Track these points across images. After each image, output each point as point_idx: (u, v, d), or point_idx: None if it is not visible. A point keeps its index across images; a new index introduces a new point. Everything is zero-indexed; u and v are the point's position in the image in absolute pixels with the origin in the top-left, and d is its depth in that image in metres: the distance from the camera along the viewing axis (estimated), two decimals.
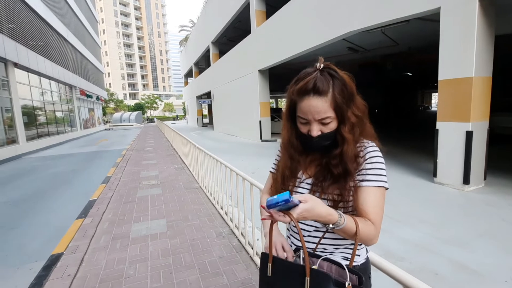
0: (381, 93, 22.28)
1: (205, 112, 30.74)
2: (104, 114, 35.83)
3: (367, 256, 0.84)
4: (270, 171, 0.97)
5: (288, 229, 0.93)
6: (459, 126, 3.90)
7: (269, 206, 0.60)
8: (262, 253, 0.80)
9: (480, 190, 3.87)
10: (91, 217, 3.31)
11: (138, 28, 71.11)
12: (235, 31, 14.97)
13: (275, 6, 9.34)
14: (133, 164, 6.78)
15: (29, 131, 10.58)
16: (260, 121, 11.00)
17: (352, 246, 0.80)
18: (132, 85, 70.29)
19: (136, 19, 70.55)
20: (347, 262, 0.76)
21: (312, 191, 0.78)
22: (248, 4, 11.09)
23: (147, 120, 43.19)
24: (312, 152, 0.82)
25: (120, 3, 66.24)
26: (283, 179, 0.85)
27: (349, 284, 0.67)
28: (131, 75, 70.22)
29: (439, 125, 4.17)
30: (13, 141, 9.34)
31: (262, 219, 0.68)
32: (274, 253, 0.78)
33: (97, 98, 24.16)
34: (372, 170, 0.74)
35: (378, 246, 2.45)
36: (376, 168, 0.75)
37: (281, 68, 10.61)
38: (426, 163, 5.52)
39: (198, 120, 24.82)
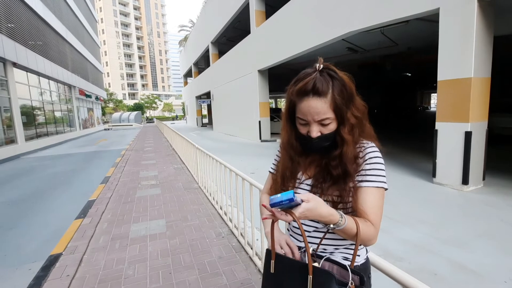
0: (380, 93, 22.33)
1: (205, 112, 30.72)
2: (103, 114, 35.76)
3: (367, 256, 0.84)
4: (270, 171, 0.97)
5: (288, 230, 0.93)
6: (458, 127, 3.91)
7: (272, 205, 0.60)
8: (267, 249, 0.80)
9: (479, 191, 3.88)
10: (90, 217, 3.30)
11: (137, 28, 71.04)
12: (235, 31, 14.97)
13: (275, 7, 9.35)
14: (132, 164, 6.77)
15: (28, 131, 10.55)
16: (259, 121, 11.00)
17: (351, 247, 0.80)
18: (132, 85, 70.20)
19: (136, 19, 70.48)
20: (348, 263, 0.76)
21: (312, 192, 0.79)
22: (248, 4, 11.09)
23: (146, 120, 43.15)
24: (312, 153, 0.82)
25: (119, 3, 66.17)
26: (283, 180, 0.84)
27: (351, 283, 0.67)
28: (131, 75, 70.13)
29: (438, 125, 4.18)
30: (11, 141, 9.31)
31: (263, 219, 0.68)
32: (280, 250, 0.78)
33: (96, 98, 24.12)
34: (372, 171, 0.74)
35: (378, 246, 2.45)
36: (375, 168, 0.75)
37: (280, 68, 10.61)
38: (425, 163, 5.53)
39: (197, 120, 24.81)
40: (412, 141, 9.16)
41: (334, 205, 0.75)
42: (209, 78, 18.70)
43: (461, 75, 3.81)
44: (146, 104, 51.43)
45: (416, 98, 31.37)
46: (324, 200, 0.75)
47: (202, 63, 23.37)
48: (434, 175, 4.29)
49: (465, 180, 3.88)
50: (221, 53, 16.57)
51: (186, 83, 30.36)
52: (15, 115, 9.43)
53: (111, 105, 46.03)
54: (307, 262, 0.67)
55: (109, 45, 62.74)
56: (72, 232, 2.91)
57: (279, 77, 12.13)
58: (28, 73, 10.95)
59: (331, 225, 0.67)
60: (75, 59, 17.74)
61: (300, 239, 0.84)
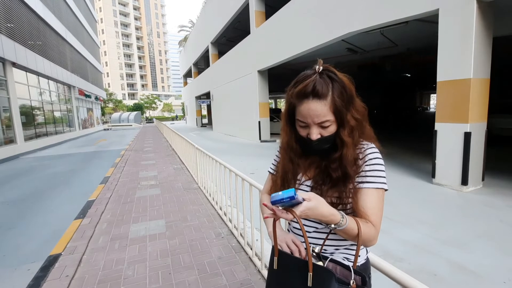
0: (380, 94, 22.35)
1: (204, 112, 30.72)
2: (103, 114, 35.72)
3: (367, 256, 0.84)
4: (269, 172, 0.97)
5: (288, 230, 0.93)
6: (458, 127, 3.92)
7: (273, 203, 0.60)
8: (273, 246, 0.81)
9: (478, 191, 3.89)
10: (90, 218, 3.30)
11: (137, 28, 71.03)
12: (235, 32, 14.98)
13: (275, 7, 9.36)
14: (132, 165, 6.76)
15: (27, 131, 10.53)
16: (259, 122, 11.00)
17: (352, 247, 0.80)
18: (131, 85, 70.16)
19: (135, 19, 70.47)
20: (348, 263, 0.76)
21: None
22: (248, 4, 11.10)
23: (146, 120, 43.11)
24: (312, 155, 0.82)
25: (119, 3, 66.16)
26: (282, 182, 0.85)
27: (353, 283, 0.68)
28: (130, 75, 70.10)
29: (437, 126, 4.19)
30: (11, 141, 9.30)
31: (265, 217, 0.68)
32: (286, 249, 0.78)
33: (96, 98, 24.09)
34: (372, 172, 0.74)
35: (378, 246, 2.45)
36: (375, 170, 0.75)
37: (280, 69, 10.62)
38: (425, 164, 5.53)
39: (197, 120, 24.80)
40: (412, 141, 9.17)
41: (333, 206, 0.75)
42: (208, 79, 18.70)
43: (460, 76, 3.82)
44: (145, 104, 51.41)
45: (415, 98, 31.42)
46: None
47: (202, 63, 23.37)
48: (433, 175, 4.29)
49: (464, 181, 3.88)
50: (221, 53, 16.58)
51: (185, 83, 30.36)
52: (14, 115, 9.42)
53: (110, 105, 45.99)
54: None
55: (108, 45, 62.71)
56: (72, 232, 2.90)
57: (279, 78, 12.14)
58: (27, 73, 10.94)
59: (332, 225, 0.67)
60: (74, 59, 17.72)
61: (301, 239, 0.84)
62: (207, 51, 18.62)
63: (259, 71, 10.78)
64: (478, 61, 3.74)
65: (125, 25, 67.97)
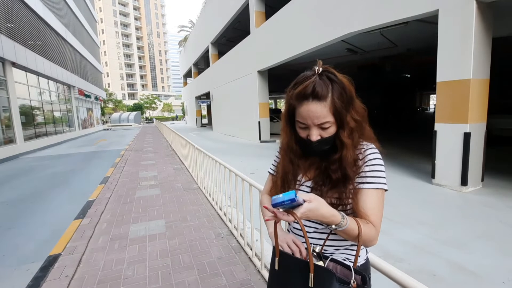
0: (379, 94, 22.36)
1: (204, 112, 30.71)
2: (103, 114, 35.71)
3: (367, 257, 0.84)
4: (269, 172, 0.97)
5: (288, 230, 0.93)
6: (457, 128, 3.92)
7: (274, 205, 0.61)
8: (274, 247, 0.81)
9: (477, 192, 3.89)
10: (89, 218, 3.30)
11: (137, 28, 71.03)
12: (235, 32, 14.99)
13: (275, 7, 9.37)
14: (131, 165, 6.76)
15: (27, 131, 10.53)
16: (259, 122, 11.00)
17: (352, 247, 0.80)
18: (131, 85, 70.14)
19: (135, 19, 70.47)
20: (349, 263, 0.76)
21: None
22: (248, 5, 11.11)
23: (145, 120, 43.10)
24: (309, 155, 0.82)
25: (119, 3, 66.16)
26: (283, 183, 0.85)
27: (353, 282, 0.68)
28: (130, 75, 70.09)
29: (437, 126, 4.20)
30: (10, 141, 9.29)
31: (266, 220, 0.68)
32: (287, 249, 0.79)
33: (96, 98, 24.08)
34: (371, 173, 0.75)
35: (378, 247, 2.45)
36: (375, 170, 0.75)
37: (280, 69, 10.63)
38: (424, 164, 5.54)
39: (197, 120, 24.80)
40: (411, 142, 9.17)
41: (333, 207, 0.75)
42: (208, 79, 18.70)
43: (460, 77, 3.83)
44: (145, 104, 51.39)
45: (415, 99, 31.43)
46: None
47: (202, 63, 23.37)
48: (433, 176, 4.30)
49: (464, 181, 3.89)
50: (220, 53, 16.58)
51: (185, 83, 30.36)
52: (14, 115, 9.41)
53: (110, 105, 45.97)
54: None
55: (108, 45, 62.70)
56: (71, 232, 2.90)
57: (279, 78, 12.14)
58: (27, 73, 10.93)
59: (333, 226, 0.68)
60: (74, 59, 17.72)
61: (301, 239, 0.84)
62: (207, 51, 18.62)
63: (259, 71, 10.79)
64: (477, 62, 3.75)
65: (125, 25, 67.98)
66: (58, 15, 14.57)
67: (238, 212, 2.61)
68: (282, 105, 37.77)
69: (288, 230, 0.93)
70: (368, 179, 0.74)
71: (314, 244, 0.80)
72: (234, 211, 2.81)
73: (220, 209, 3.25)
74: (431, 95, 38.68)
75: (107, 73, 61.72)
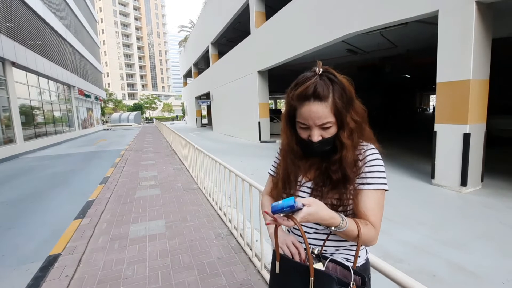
0: (379, 95, 22.38)
1: (204, 112, 30.71)
2: (103, 114, 35.70)
3: (367, 257, 0.85)
4: (270, 174, 0.97)
5: (288, 231, 0.93)
6: (457, 128, 3.92)
7: (274, 212, 0.62)
8: (273, 250, 0.82)
9: (477, 192, 3.89)
10: (89, 218, 3.30)
11: (137, 28, 71.05)
12: (235, 32, 14.99)
13: (275, 8, 9.37)
14: (131, 165, 6.76)
15: (27, 131, 10.52)
16: (259, 122, 11.01)
17: (352, 248, 0.81)
18: (131, 85, 70.14)
19: (136, 19, 70.49)
20: (349, 264, 0.77)
21: (312, 195, 0.79)
22: (248, 5, 11.12)
23: (145, 120, 43.09)
24: (310, 156, 0.82)
25: (119, 3, 66.18)
26: (284, 184, 0.85)
27: (353, 284, 0.69)
28: (130, 75, 70.09)
29: (437, 127, 4.20)
30: (10, 140, 9.29)
31: (266, 224, 0.69)
32: (287, 251, 0.79)
33: (96, 98, 24.08)
34: (372, 173, 0.75)
35: (377, 247, 2.46)
36: (375, 171, 0.75)
37: (280, 69, 10.63)
38: (424, 165, 5.54)
39: (197, 120, 24.80)
40: (411, 142, 9.18)
41: (334, 208, 0.75)
42: (209, 79, 18.70)
43: (459, 77, 3.83)
44: (145, 105, 51.39)
45: (415, 99, 31.45)
46: (324, 203, 0.75)
47: (202, 63, 23.38)
48: (433, 176, 4.30)
49: (463, 182, 3.89)
50: (221, 53, 16.59)
51: (185, 83, 30.36)
52: (14, 114, 9.41)
53: (110, 105, 45.96)
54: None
55: (108, 45, 62.71)
56: (71, 232, 2.90)
57: (279, 78, 12.14)
58: (27, 72, 10.93)
59: (333, 228, 0.68)
60: (74, 59, 17.72)
61: (301, 240, 0.84)
62: (207, 52, 18.63)
63: (259, 72, 10.79)
64: (477, 62, 3.75)
65: (125, 25, 67.99)
66: (58, 14, 14.57)
67: (238, 212, 2.62)
68: (282, 105, 37.77)
69: (288, 231, 0.93)
70: (368, 180, 0.75)
71: (313, 245, 0.80)
72: (234, 211, 2.81)
73: (220, 209, 3.25)
74: (431, 96, 38.70)
75: (107, 73, 61.71)
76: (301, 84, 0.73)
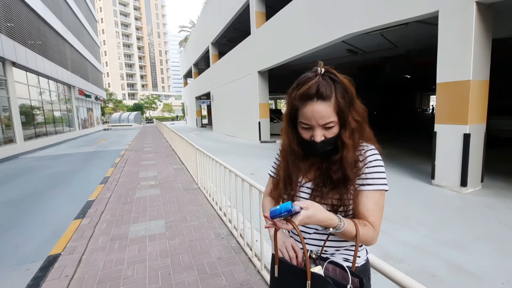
0: (379, 95, 22.38)
1: (204, 112, 30.72)
2: (103, 114, 35.70)
3: (367, 257, 0.85)
4: (270, 175, 0.97)
5: (289, 231, 0.93)
6: (457, 129, 3.93)
7: (273, 217, 0.64)
8: (273, 254, 0.83)
9: (477, 193, 3.89)
10: (89, 218, 3.30)
11: (137, 28, 71.07)
12: (235, 32, 15.00)
13: (275, 8, 9.38)
14: (131, 165, 6.76)
15: (27, 131, 10.53)
16: (259, 122, 11.01)
17: (352, 248, 0.81)
18: (131, 85, 70.15)
19: (136, 19, 70.52)
20: (348, 264, 0.77)
21: (312, 196, 0.79)
22: (248, 5, 11.12)
23: (146, 120, 43.10)
24: (312, 156, 0.82)
25: (119, 3, 66.21)
26: (284, 185, 0.85)
27: (350, 286, 0.69)
28: (130, 75, 70.10)
29: (437, 127, 4.20)
30: (10, 140, 9.29)
31: (266, 227, 0.70)
32: (285, 254, 0.81)
33: (96, 98, 24.09)
34: (372, 174, 0.75)
35: (378, 248, 2.46)
36: (375, 171, 0.75)
37: (280, 70, 10.64)
38: (424, 165, 5.54)
39: (197, 120, 24.81)
40: (411, 142, 9.18)
41: (335, 208, 0.76)
42: (209, 79, 18.71)
43: (460, 78, 3.83)
44: (145, 105, 51.39)
45: (415, 100, 31.44)
46: (325, 204, 0.76)
47: (202, 63, 23.39)
48: (433, 177, 4.30)
49: (463, 182, 3.89)
50: (221, 54, 16.60)
51: (186, 83, 30.37)
52: (14, 114, 9.41)
53: (110, 105, 45.97)
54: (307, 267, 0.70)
55: (109, 45, 62.73)
56: (71, 232, 2.90)
57: (279, 78, 12.15)
58: (27, 72, 10.93)
59: (331, 229, 0.69)
60: (74, 59, 17.73)
61: (300, 241, 0.84)
62: (207, 52, 18.63)
63: (259, 72, 10.80)
64: (477, 63, 3.75)
65: (125, 25, 68.02)
66: (58, 14, 14.58)
67: (238, 212, 2.62)
68: (282, 105, 37.77)
69: (288, 232, 0.93)
70: (368, 181, 0.75)
71: (313, 245, 0.81)
72: (234, 211, 2.81)
73: (220, 209, 3.25)
74: (431, 96, 38.70)
75: (107, 73, 61.73)
76: (303, 84, 0.73)
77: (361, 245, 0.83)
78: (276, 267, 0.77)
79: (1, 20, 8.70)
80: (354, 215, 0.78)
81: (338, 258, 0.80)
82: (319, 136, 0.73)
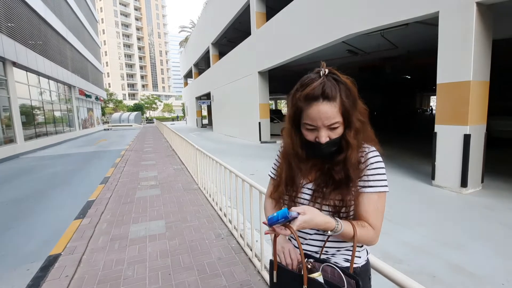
0: (380, 95, 22.40)
1: (205, 113, 30.73)
2: (103, 114, 35.73)
3: (367, 258, 0.85)
4: (270, 176, 0.96)
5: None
6: (457, 129, 3.92)
7: (270, 224, 0.66)
8: (270, 260, 0.84)
9: (477, 193, 3.89)
10: (90, 218, 3.30)
11: (138, 29, 71.14)
12: (235, 33, 15.01)
13: (275, 8, 9.39)
14: (132, 165, 6.76)
15: (27, 131, 10.54)
16: (259, 123, 11.01)
17: (353, 248, 0.81)
18: (132, 86, 70.19)
19: (136, 19, 70.58)
20: (348, 264, 0.78)
21: (313, 197, 0.79)
22: (248, 6, 11.13)
23: (146, 120, 43.11)
24: (314, 157, 0.82)
25: (120, 3, 66.28)
26: (286, 187, 0.85)
27: None
28: (131, 75, 70.15)
29: (437, 128, 4.20)
30: (11, 140, 9.30)
31: (265, 233, 0.71)
32: (283, 259, 0.82)
33: (96, 98, 24.10)
34: (374, 176, 0.75)
35: (377, 248, 2.46)
36: (377, 173, 0.76)
37: (281, 70, 10.64)
38: (424, 165, 5.54)
39: (197, 121, 24.82)
40: (411, 143, 9.17)
41: (337, 209, 0.76)
42: (209, 79, 18.72)
43: (460, 78, 3.83)
44: (146, 105, 51.41)
45: (415, 100, 31.43)
46: (327, 205, 0.76)
47: (203, 64, 23.41)
48: (433, 177, 4.30)
49: (463, 183, 3.89)
50: (221, 54, 16.61)
51: (186, 83, 30.39)
52: (14, 114, 9.42)
53: (111, 105, 45.99)
54: (308, 272, 0.72)
55: (109, 45, 62.78)
56: (71, 232, 2.91)
57: (279, 79, 12.16)
58: (28, 72, 10.95)
59: (329, 232, 0.71)
60: (75, 59, 17.75)
61: (301, 242, 0.85)
62: (207, 52, 18.65)
63: (260, 72, 10.80)
64: (477, 64, 3.75)
65: (126, 26, 68.08)
66: (59, 15, 14.60)
67: (238, 213, 2.62)
68: (282, 106, 37.75)
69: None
70: (370, 183, 0.75)
71: (314, 246, 0.82)
72: (234, 211, 2.81)
73: (220, 209, 3.25)
74: (431, 97, 38.67)
75: (108, 73, 61.77)
76: (307, 85, 0.73)
77: (362, 246, 0.83)
78: (274, 272, 0.79)
79: (2, 20, 8.71)
80: (355, 216, 0.78)
81: (339, 259, 0.80)
82: (324, 137, 0.73)
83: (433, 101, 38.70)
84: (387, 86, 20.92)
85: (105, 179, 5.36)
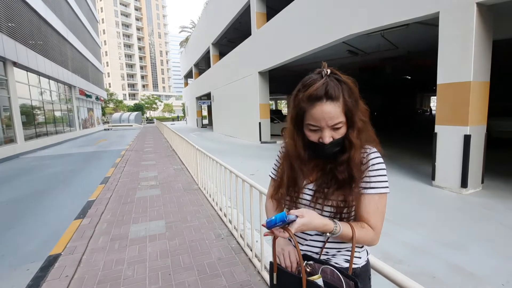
0: (380, 96, 22.40)
1: (205, 113, 30.74)
2: (104, 114, 35.75)
3: (367, 258, 0.85)
4: (271, 177, 0.96)
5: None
6: (457, 130, 3.92)
7: (269, 227, 0.67)
8: (270, 261, 0.84)
9: (477, 194, 3.89)
10: (90, 218, 3.30)
11: (138, 29, 71.18)
12: (236, 33, 15.02)
13: (276, 9, 9.39)
14: (132, 165, 6.76)
15: (28, 131, 10.54)
16: (259, 123, 11.01)
17: (351, 249, 0.81)
18: (132, 86, 70.23)
19: (137, 19, 70.63)
20: (348, 265, 0.78)
21: (315, 197, 0.79)
22: (249, 6, 11.14)
23: (146, 120, 43.13)
24: (315, 158, 0.81)
25: (120, 4, 66.33)
26: (287, 189, 0.84)
27: None
28: (131, 76, 70.18)
29: (437, 128, 4.20)
30: (11, 140, 9.30)
31: (265, 235, 0.72)
32: (282, 261, 0.82)
33: (97, 98, 24.12)
34: (375, 178, 0.75)
35: (377, 249, 2.45)
36: (378, 175, 0.76)
37: (281, 70, 10.64)
38: (425, 166, 5.54)
39: (197, 121, 24.83)
40: (411, 143, 9.17)
41: (339, 209, 0.76)
42: (209, 79, 18.73)
43: (460, 79, 3.83)
44: (146, 105, 51.43)
45: (415, 101, 31.42)
46: (328, 205, 0.76)
47: (203, 64, 23.42)
48: (433, 178, 4.30)
49: (464, 183, 3.89)
50: (221, 54, 16.62)
51: (186, 84, 30.40)
52: (14, 114, 9.43)
53: (111, 105, 46.01)
54: (307, 275, 0.73)
55: (110, 45, 62.81)
56: (71, 232, 2.91)
57: (279, 79, 12.16)
58: (28, 72, 10.96)
59: (328, 234, 0.71)
60: (75, 59, 17.76)
61: (302, 243, 0.85)
62: (208, 52, 18.66)
63: (260, 73, 10.80)
64: (478, 64, 3.75)
65: (126, 26, 68.12)
66: (59, 15, 14.61)
67: (239, 213, 2.62)
68: (283, 106, 37.75)
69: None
70: (372, 184, 0.75)
71: (315, 247, 0.82)
72: (234, 212, 2.81)
73: (220, 209, 3.25)
74: (432, 97, 38.65)
75: (108, 73, 61.81)
76: (310, 86, 0.73)
77: (362, 246, 0.83)
78: (274, 274, 0.79)
79: (3, 20, 8.72)
80: (356, 217, 0.78)
81: (340, 259, 0.80)
82: (327, 137, 0.73)
83: (434, 102, 38.65)
84: (387, 87, 20.93)
85: (105, 179, 5.36)
